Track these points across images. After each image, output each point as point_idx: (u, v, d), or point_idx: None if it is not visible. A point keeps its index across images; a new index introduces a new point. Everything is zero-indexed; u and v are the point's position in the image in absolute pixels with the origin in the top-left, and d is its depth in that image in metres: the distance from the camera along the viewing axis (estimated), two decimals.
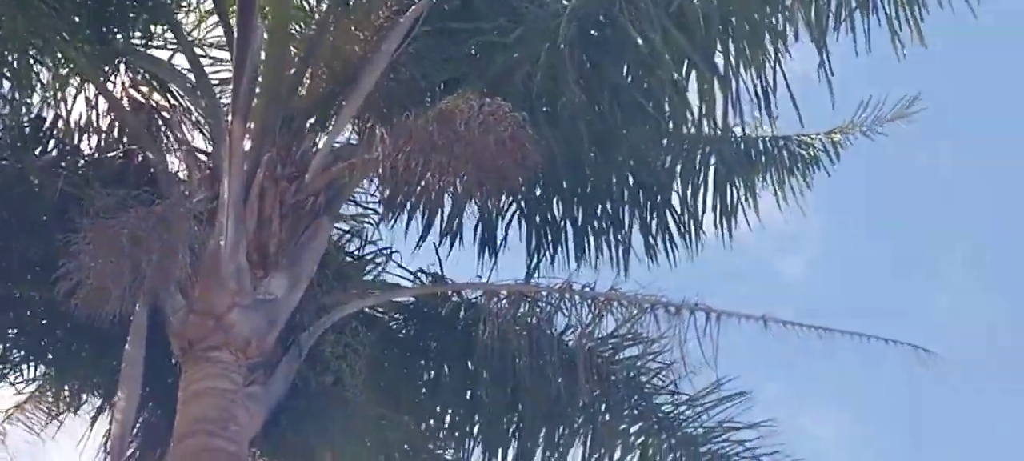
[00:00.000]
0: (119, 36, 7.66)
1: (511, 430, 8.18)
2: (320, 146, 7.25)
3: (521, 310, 7.95)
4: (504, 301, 7.93)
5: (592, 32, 7.23)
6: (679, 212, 8.19)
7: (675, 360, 7.78)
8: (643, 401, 8.07)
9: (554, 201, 8.10)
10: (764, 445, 8.01)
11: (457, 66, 7.35)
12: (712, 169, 8.21)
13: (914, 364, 7.89)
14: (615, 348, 7.99)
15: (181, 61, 7.83)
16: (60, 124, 7.74)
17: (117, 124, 7.78)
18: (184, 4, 7.97)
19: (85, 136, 7.73)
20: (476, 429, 8.32)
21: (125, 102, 7.75)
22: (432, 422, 8.46)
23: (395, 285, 8.12)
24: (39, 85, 7.57)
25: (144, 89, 7.88)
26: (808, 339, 7.80)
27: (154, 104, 7.85)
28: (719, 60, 7.26)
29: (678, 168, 8.15)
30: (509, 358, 7.79)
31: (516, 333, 7.78)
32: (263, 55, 7.07)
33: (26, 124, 7.63)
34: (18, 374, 8.01)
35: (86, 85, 7.78)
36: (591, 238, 8.14)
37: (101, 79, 7.64)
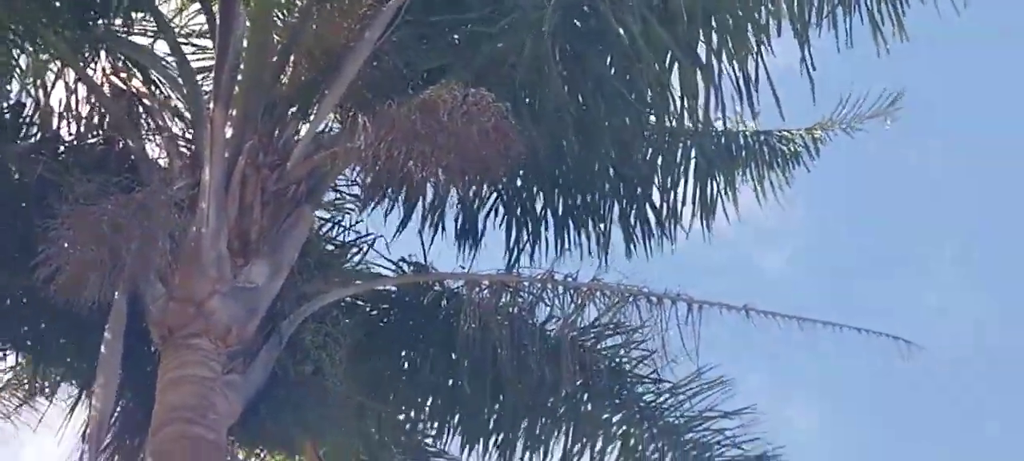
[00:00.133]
0: (100, 22, 7.61)
1: (493, 420, 8.18)
2: (302, 134, 7.22)
3: (503, 300, 7.95)
4: (486, 291, 7.92)
5: (576, 22, 7.22)
6: (659, 205, 8.21)
7: (657, 349, 7.80)
8: (625, 390, 8.09)
9: (535, 191, 8.10)
10: (746, 433, 8.05)
11: (441, 56, 7.33)
12: (692, 163, 8.24)
13: (896, 357, 7.94)
14: (597, 337, 8.00)
15: (162, 48, 7.80)
16: (40, 110, 7.68)
17: (97, 111, 7.72)
18: None
19: (65, 122, 7.68)
20: (457, 419, 8.33)
21: (106, 89, 7.70)
22: (413, 412, 8.46)
23: (377, 274, 8.11)
24: (18, 71, 7.51)
25: (125, 76, 7.83)
26: (790, 331, 7.83)
27: (135, 91, 7.79)
28: (702, 53, 7.26)
29: (659, 161, 8.16)
30: (491, 348, 7.79)
31: (498, 323, 7.78)
32: (245, 42, 7.05)
33: (6, 111, 7.58)
34: None
35: (66, 71, 7.73)
36: (572, 230, 8.15)
37: (81, 65, 7.59)
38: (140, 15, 7.75)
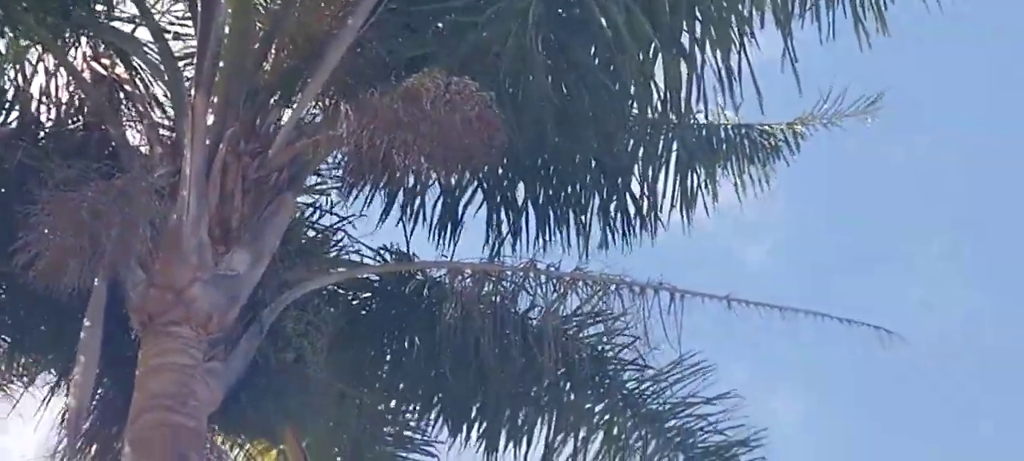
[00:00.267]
0: (80, 7, 7.56)
1: (475, 409, 8.18)
2: (284, 122, 7.19)
3: (485, 289, 7.94)
4: (468, 280, 7.92)
5: (560, 12, 7.21)
6: (639, 197, 8.21)
7: (639, 336, 7.82)
8: (607, 378, 8.10)
9: (516, 181, 8.09)
10: (729, 418, 8.07)
11: (424, 44, 7.30)
12: (673, 155, 8.25)
13: (877, 348, 7.98)
14: (579, 326, 8.00)
15: (144, 34, 7.75)
16: (19, 95, 7.63)
17: (78, 97, 7.67)
18: None
19: (45, 108, 7.62)
20: (440, 408, 8.32)
21: (86, 74, 7.65)
22: (396, 401, 8.45)
23: (358, 262, 8.10)
24: None
25: (106, 62, 7.78)
26: (771, 321, 7.86)
27: (116, 77, 7.74)
28: (685, 43, 7.26)
29: (640, 152, 8.17)
30: (473, 337, 7.79)
31: (480, 312, 7.78)
32: (227, 29, 7.00)
33: None
34: None
35: (46, 56, 7.67)
36: (553, 220, 8.14)
37: (62, 50, 7.54)
38: (121, 1, 7.70)
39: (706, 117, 8.22)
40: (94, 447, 7.54)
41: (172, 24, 7.98)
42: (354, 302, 8.14)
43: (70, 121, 7.59)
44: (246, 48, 7.01)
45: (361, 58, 7.21)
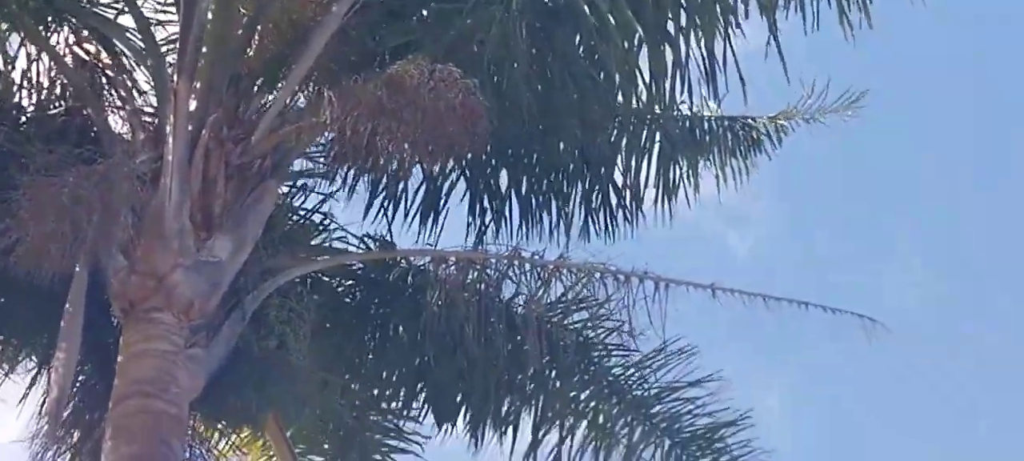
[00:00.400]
0: None
1: (460, 397, 8.17)
2: (268, 108, 7.16)
3: (469, 277, 7.93)
4: (452, 268, 7.90)
5: (545, 0, 7.19)
6: (622, 187, 8.22)
7: (624, 322, 7.83)
8: (593, 365, 8.10)
9: (499, 169, 8.08)
10: (715, 401, 8.08)
11: (408, 31, 7.28)
12: (656, 146, 8.26)
13: (860, 336, 8.00)
14: (564, 313, 8.00)
15: (127, 20, 7.69)
16: (1, 80, 7.58)
17: (60, 81, 7.62)
18: None
19: (26, 92, 7.57)
20: (425, 396, 8.31)
21: (68, 59, 7.60)
22: (378, 390, 8.43)
23: (342, 250, 8.08)
24: None
25: (88, 46, 7.73)
26: (755, 309, 7.87)
27: (98, 62, 7.69)
28: (670, 31, 7.26)
29: (623, 143, 8.17)
30: (457, 325, 7.78)
31: (465, 300, 7.76)
32: (210, 15, 6.97)
33: None
34: None
35: (28, 41, 7.62)
36: (535, 208, 8.13)
37: (44, 35, 7.49)
38: None
39: (690, 109, 8.24)
40: (75, 433, 7.51)
41: (155, 10, 7.95)
42: (337, 290, 8.12)
43: (52, 106, 7.55)
44: (229, 34, 6.99)
45: (345, 45, 7.19)
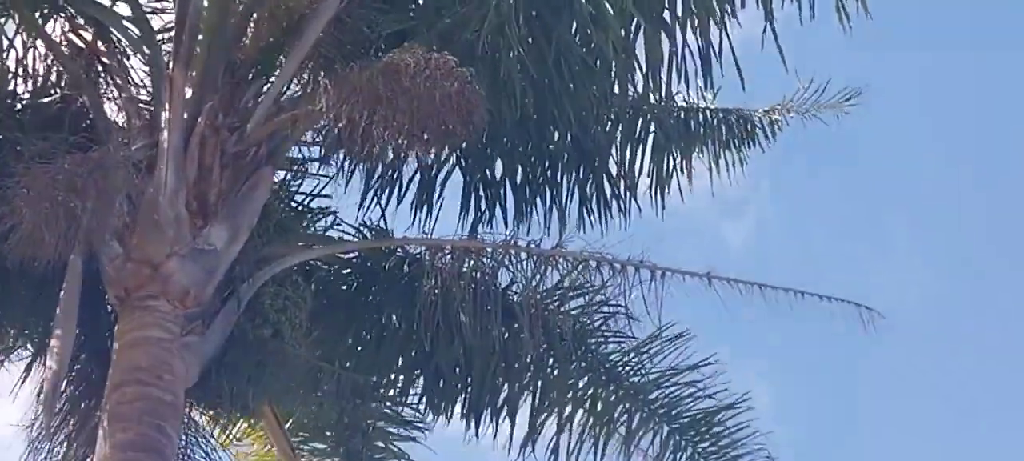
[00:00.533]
0: None
1: (457, 386, 8.17)
2: (263, 96, 7.15)
3: (465, 265, 7.93)
4: (448, 256, 7.90)
5: None
6: (616, 177, 8.22)
7: (620, 307, 7.83)
8: (590, 352, 8.10)
9: (494, 158, 8.08)
10: (713, 385, 8.07)
11: (404, 19, 7.27)
12: (651, 136, 8.26)
13: (857, 325, 8.02)
14: (560, 300, 8.00)
15: (123, 7, 7.68)
16: None
17: (55, 69, 7.61)
18: None
19: (22, 80, 7.56)
20: (421, 384, 8.32)
21: (64, 46, 7.59)
22: (374, 377, 8.43)
23: (338, 238, 8.08)
24: None
25: (84, 34, 7.71)
26: (751, 297, 7.87)
27: (94, 49, 7.68)
28: (666, 19, 7.25)
29: (618, 132, 8.17)
30: (454, 313, 7.78)
31: (461, 288, 7.76)
32: (206, 2, 6.96)
33: None
34: None
35: (23, 28, 7.61)
36: (529, 198, 8.13)
37: (40, 22, 7.48)
38: None
39: (685, 100, 8.25)
40: (71, 421, 7.52)
41: None
42: (333, 278, 8.12)
43: (47, 93, 7.54)
44: (225, 22, 6.98)
45: (341, 33, 7.18)
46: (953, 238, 16.30)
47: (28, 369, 7.71)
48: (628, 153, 8.24)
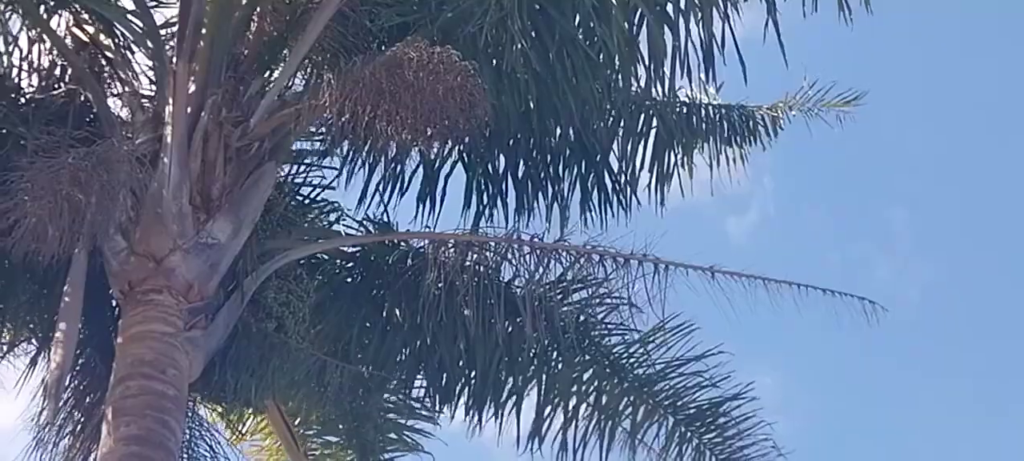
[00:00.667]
0: None
1: (461, 380, 8.18)
2: (267, 90, 7.16)
3: (469, 259, 7.93)
4: (452, 250, 7.90)
5: None
6: (617, 172, 8.21)
7: (623, 300, 7.82)
8: (594, 345, 8.10)
9: (497, 152, 8.08)
10: (719, 374, 8.06)
11: (406, 12, 7.26)
12: (653, 132, 8.25)
13: (860, 320, 8.01)
14: (564, 293, 7.99)
15: (127, 2, 7.69)
16: (0, 61, 7.58)
17: (59, 63, 7.62)
18: None
19: (26, 74, 7.57)
20: (425, 379, 8.32)
21: (68, 41, 7.60)
22: (378, 371, 8.44)
23: (341, 233, 8.08)
24: None
25: (88, 28, 7.72)
26: (754, 290, 7.86)
27: (98, 44, 7.68)
28: (670, 12, 7.24)
29: (620, 127, 8.16)
30: (457, 307, 7.78)
31: (463, 282, 7.76)
32: None
33: None
34: None
35: (28, 23, 7.62)
36: (531, 193, 8.13)
37: (44, 17, 7.49)
38: None
39: (688, 95, 8.24)
40: (75, 415, 7.54)
41: None
42: (336, 272, 8.13)
43: (51, 88, 7.54)
44: (228, 16, 6.98)
45: (343, 27, 7.18)
46: (953, 236, 16.32)
47: (32, 363, 7.74)
48: (630, 148, 8.23)
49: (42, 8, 7.46)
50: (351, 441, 8.66)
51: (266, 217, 7.15)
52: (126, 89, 7.42)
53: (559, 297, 8.02)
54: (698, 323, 8.06)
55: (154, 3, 7.73)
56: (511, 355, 8.04)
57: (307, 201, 8.02)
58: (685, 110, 8.43)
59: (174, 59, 7.01)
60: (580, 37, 7.30)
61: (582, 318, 8.06)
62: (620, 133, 8.21)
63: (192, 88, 6.88)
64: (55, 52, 7.57)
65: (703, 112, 8.51)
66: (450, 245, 7.85)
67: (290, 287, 7.26)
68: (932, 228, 16.45)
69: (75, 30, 7.66)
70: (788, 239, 16.22)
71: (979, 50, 15.27)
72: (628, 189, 8.25)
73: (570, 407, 8.17)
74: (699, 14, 7.18)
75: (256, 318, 7.12)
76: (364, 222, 8.08)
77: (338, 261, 8.14)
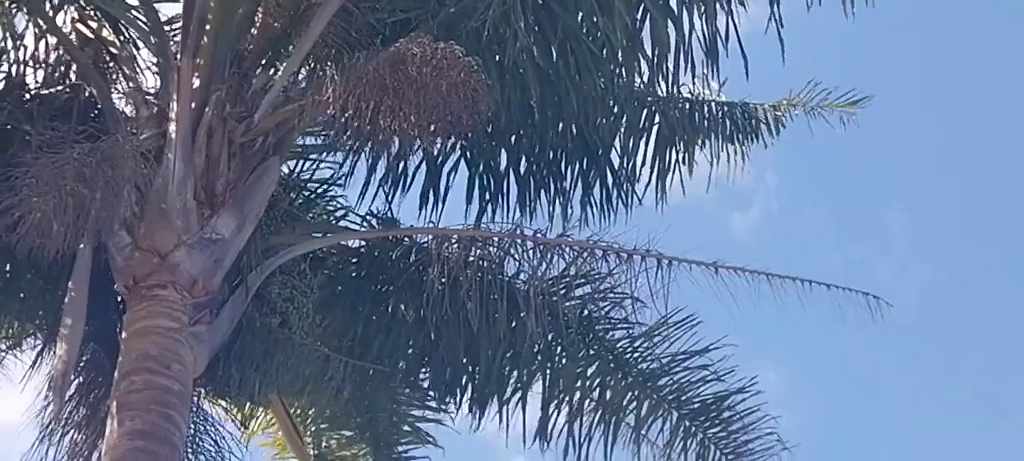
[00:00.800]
0: None
1: (464, 376, 8.19)
2: (270, 86, 7.17)
3: (472, 255, 7.94)
4: (455, 245, 7.91)
5: None
6: (619, 168, 8.22)
7: (627, 295, 7.82)
8: (597, 340, 8.10)
9: (499, 148, 8.08)
10: (723, 368, 8.06)
11: (410, 8, 7.27)
12: (655, 128, 8.25)
13: (865, 317, 8.01)
14: (567, 288, 8.00)
15: None
16: (5, 57, 7.59)
17: (64, 59, 7.64)
18: None
19: (31, 70, 7.59)
20: (429, 374, 8.34)
21: (73, 37, 7.62)
22: (382, 366, 8.45)
23: (345, 228, 8.10)
24: None
25: (92, 24, 7.74)
26: (758, 286, 7.86)
27: (102, 40, 7.70)
28: (673, 6, 7.24)
29: (622, 124, 8.16)
30: (460, 303, 7.79)
31: (467, 278, 7.77)
32: None
33: None
34: None
35: (33, 18, 7.63)
36: (533, 188, 8.13)
37: (49, 13, 7.51)
38: None
39: (690, 92, 8.24)
40: (81, 410, 7.56)
41: None
42: (340, 267, 8.15)
43: (56, 84, 7.56)
44: (232, 12, 6.99)
45: (347, 23, 7.18)
46: (953, 238, 16.31)
47: (38, 358, 7.77)
48: (632, 144, 8.23)
49: (47, 4, 7.48)
50: (364, 434, 8.69)
51: (270, 213, 7.17)
52: (130, 85, 7.43)
53: (562, 292, 8.03)
54: (702, 319, 8.08)
55: None
56: (515, 350, 8.05)
57: (311, 197, 8.04)
58: (687, 107, 8.43)
59: (178, 55, 7.03)
60: (583, 32, 7.30)
61: (585, 313, 8.07)
62: (622, 129, 8.21)
63: (196, 84, 6.90)
64: (60, 48, 7.60)
65: (705, 109, 8.51)
66: (453, 241, 7.86)
67: (294, 282, 7.28)
68: (931, 229, 16.46)
69: (80, 26, 7.67)
70: (791, 237, 16.23)
71: (979, 50, 15.27)
72: (630, 185, 8.25)
73: (574, 402, 8.18)
74: (702, 8, 7.18)
75: (260, 313, 7.14)
76: (368, 218, 8.11)
77: (342, 257, 8.15)
